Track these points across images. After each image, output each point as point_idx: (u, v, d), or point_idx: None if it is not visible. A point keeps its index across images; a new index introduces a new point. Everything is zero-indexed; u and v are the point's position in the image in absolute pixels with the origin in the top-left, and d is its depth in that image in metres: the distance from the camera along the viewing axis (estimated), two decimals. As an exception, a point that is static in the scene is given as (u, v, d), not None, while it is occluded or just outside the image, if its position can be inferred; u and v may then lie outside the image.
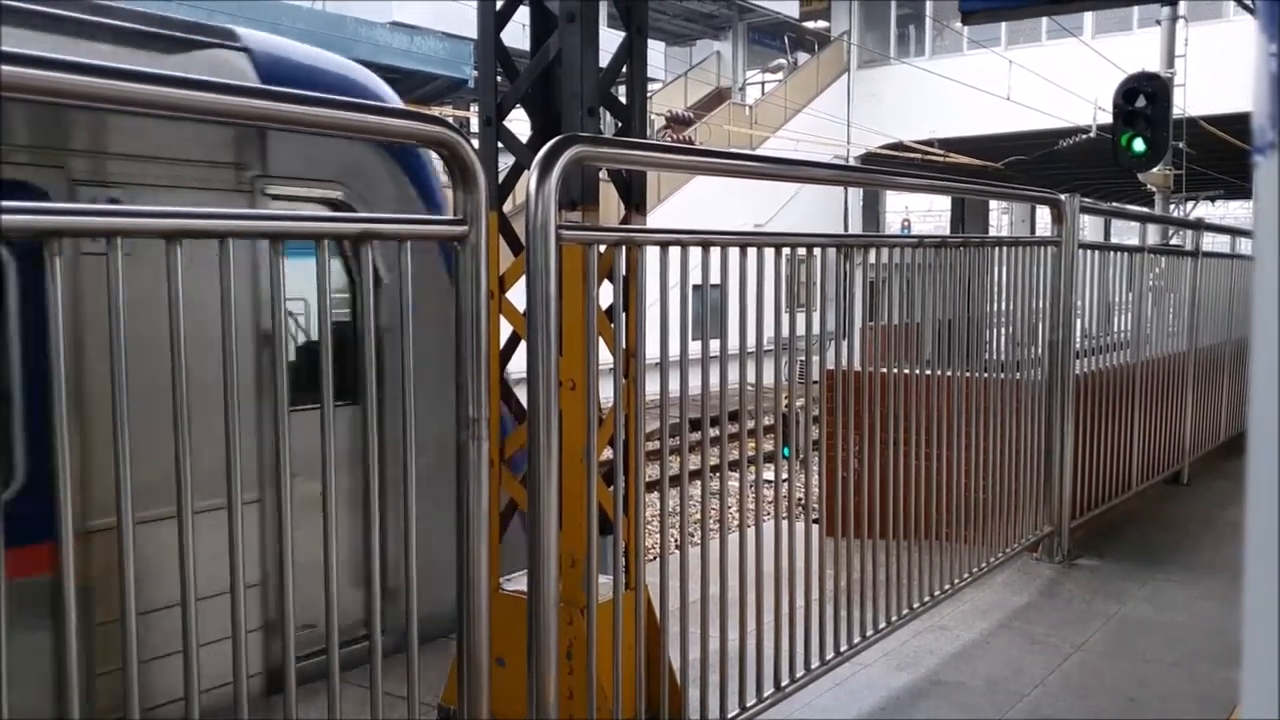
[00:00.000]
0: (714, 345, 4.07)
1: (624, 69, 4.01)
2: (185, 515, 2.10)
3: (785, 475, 4.03)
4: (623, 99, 4.07)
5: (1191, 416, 8.28)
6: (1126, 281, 7.19)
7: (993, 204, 33.64)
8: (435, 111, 16.97)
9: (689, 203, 24.01)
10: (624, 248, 3.38)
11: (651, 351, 3.45)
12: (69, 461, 1.98)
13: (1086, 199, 6.43)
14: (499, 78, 4.08)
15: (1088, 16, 26.52)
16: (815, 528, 4.26)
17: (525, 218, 2.84)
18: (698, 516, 12.50)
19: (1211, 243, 8.94)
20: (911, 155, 28.32)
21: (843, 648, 4.22)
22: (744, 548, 3.66)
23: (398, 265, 2.54)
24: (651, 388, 3.49)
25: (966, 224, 30.49)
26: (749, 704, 3.69)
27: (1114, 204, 28.18)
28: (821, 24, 35.05)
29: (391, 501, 2.64)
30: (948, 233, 25.80)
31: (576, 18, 3.78)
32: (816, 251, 4.04)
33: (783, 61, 35.86)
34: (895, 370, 4.67)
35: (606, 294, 3.61)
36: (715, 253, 3.49)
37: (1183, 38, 17.22)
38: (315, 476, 2.33)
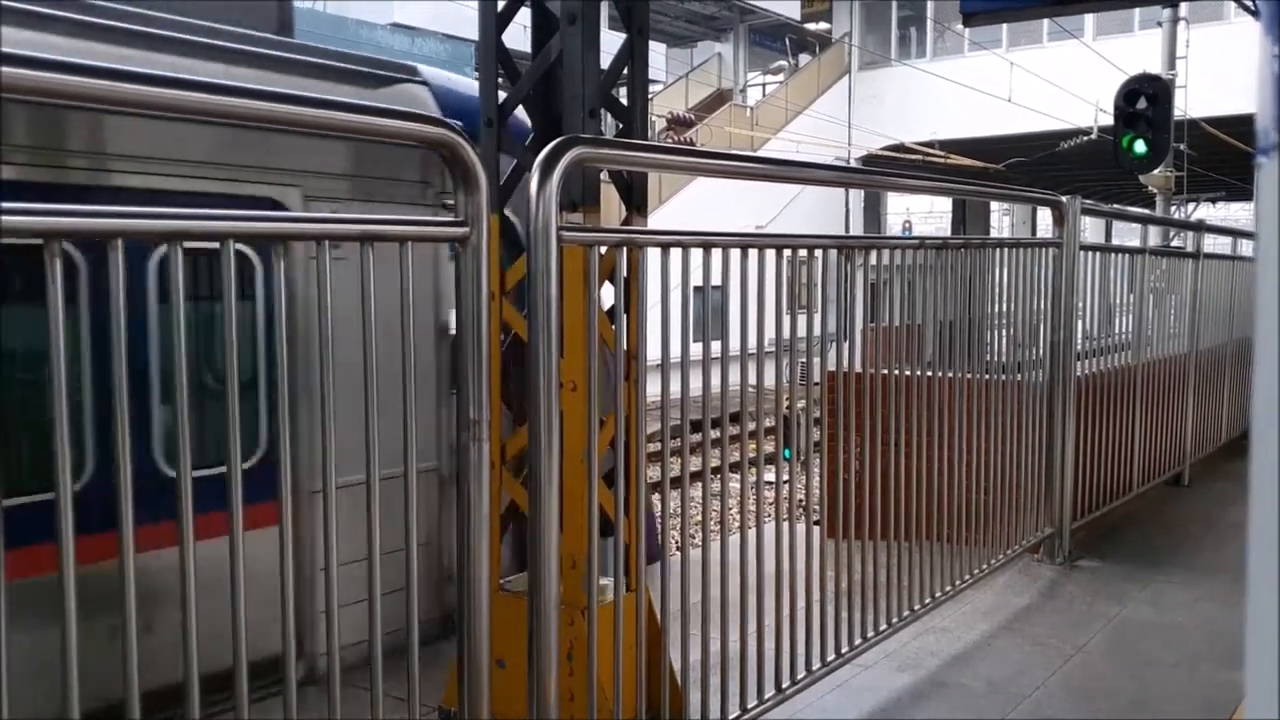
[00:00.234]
0: (715, 347, 4.07)
1: (625, 71, 4.02)
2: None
3: (786, 477, 4.03)
4: (624, 101, 4.07)
5: (1193, 418, 8.28)
6: (1128, 283, 7.19)
7: (994, 206, 33.65)
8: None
9: (690, 204, 24.01)
10: (625, 249, 3.38)
11: (653, 353, 3.45)
12: (68, 462, 1.99)
13: (1088, 200, 6.44)
14: (500, 79, 4.09)
15: (1089, 18, 26.53)
16: (816, 529, 4.26)
17: (526, 219, 2.84)
18: (699, 518, 12.50)
19: (1212, 244, 8.94)
20: (912, 157, 28.32)
21: (844, 649, 4.22)
22: (745, 549, 3.66)
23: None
24: (653, 389, 3.49)
25: (968, 225, 30.47)
26: (750, 705, 3.68)
27: (1115, 206, 28.18)
28: (822, 26, 35.06)
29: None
30: (949, 234, 25.82)
31: (578, 19, 3.78)
32: (818, 253, 4.04)
33: (784, 63, 35.86)
34: (896, 372, 4.67)
35: (607, 295, 3.61)
36: (716, 254, 3.49)
37: (1184, 39, 17.22)
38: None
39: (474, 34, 4.26)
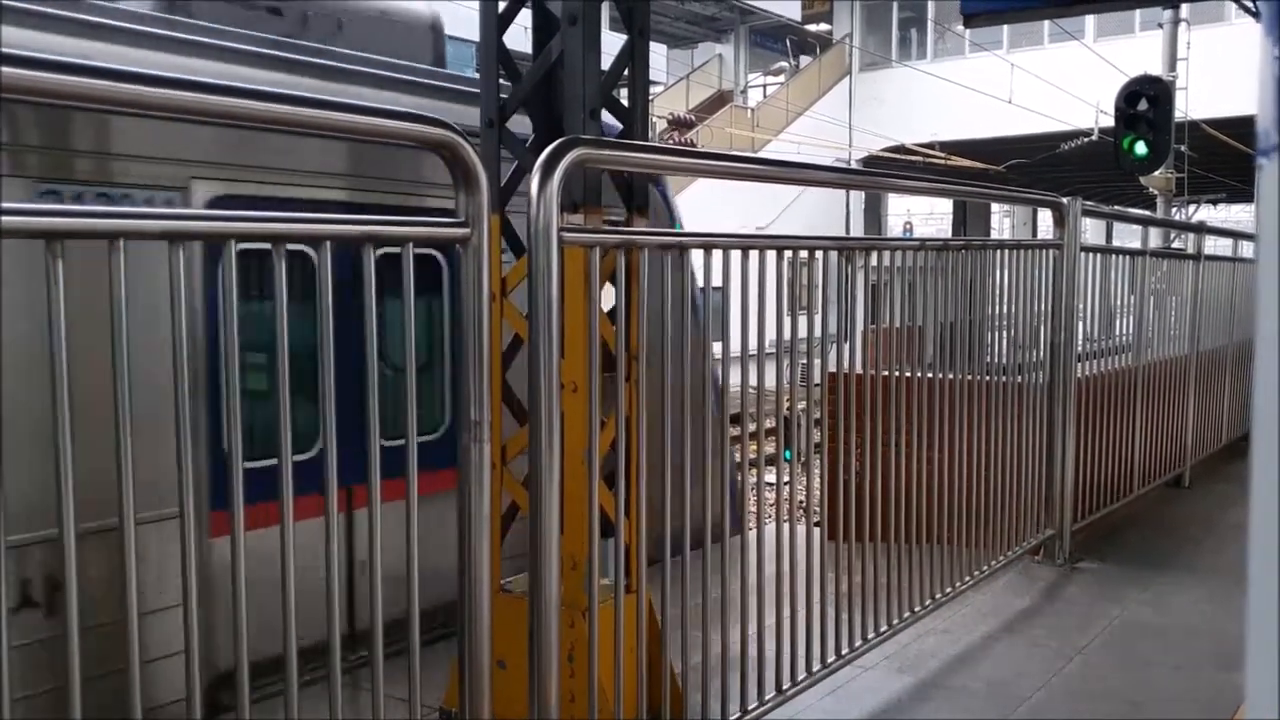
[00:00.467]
0: (715, 348, 4.07)
1: (626, 72, 4.02)
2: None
3: (787, 478, 4.03)
4: (625, 101, 4.07)
5: (1193, 420, 8.27)
6: (1128, 285, 7.19)
7: (994, 207, 33.63)
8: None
9: (690, 205, 23.90)
10: (626, 250, 3.38)
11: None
12: (68, 456, 1.99)
13: (1088, 202, 6.44)
14: (501, 79, 4.09)
15: (1089, 20, 26.52)
16: (816, 531, 4.26)
17: (527, 220, 2.84)
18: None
19: (1213, 246, 8.93)
20: (913, 158, 28.32)
21: (844, 651, 4.22)
22: (745, 550, 3.65)
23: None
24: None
25: (968, 227, 30.44)
26: (750, 706, 3.68)
27: (1115, 207, 28.18)
28: (823, 27, 35.06)
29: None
30: (949, 236, 25.80)
31: (578, 20, 3.79)
32: (818, 254, 4.04)
33: (784, 64, 35.86)
34: (897, 373, 4.67)
35: (608, 296, 3.60)
36: (717, 255, 3.49)
37: (1185, 41, 17.22)
38: None
39: (475, 35, 4.26)
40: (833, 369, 4.28)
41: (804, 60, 35.00)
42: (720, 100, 33.60)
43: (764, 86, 36.28)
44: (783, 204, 24.61)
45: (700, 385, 3.62)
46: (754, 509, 8.50)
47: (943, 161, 28.59)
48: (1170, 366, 7.81)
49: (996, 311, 5.74)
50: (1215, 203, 32.30)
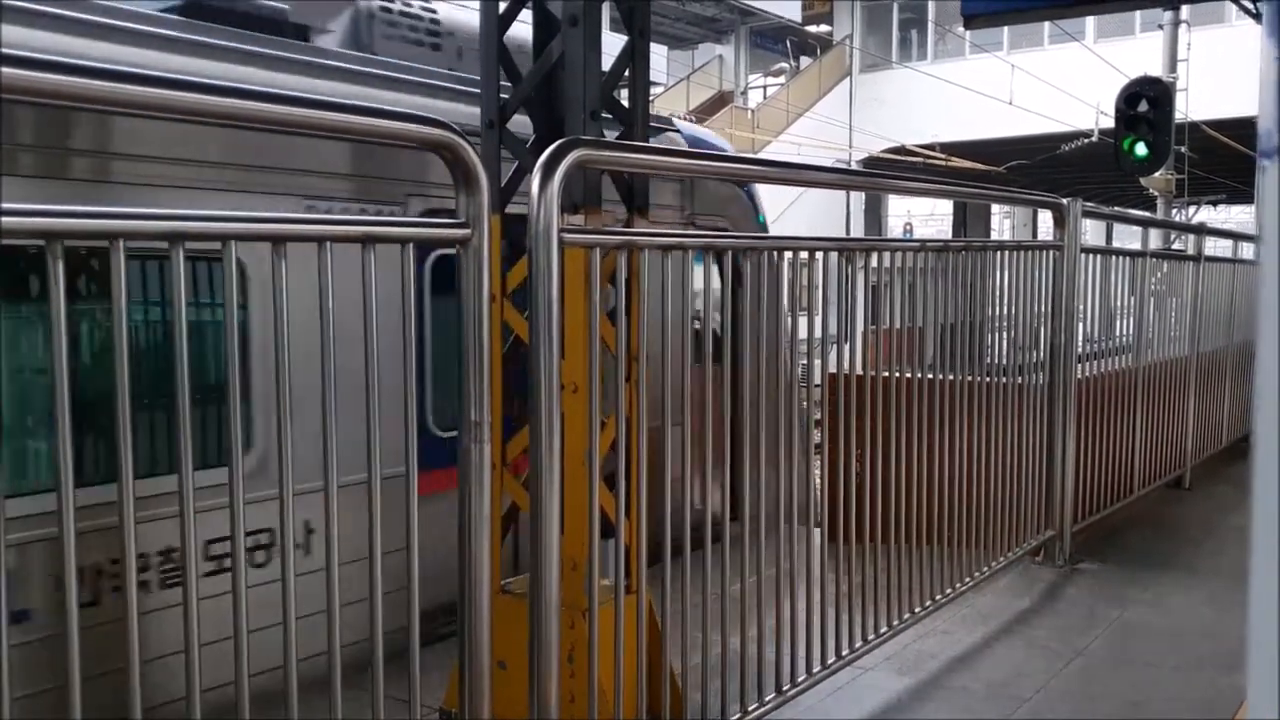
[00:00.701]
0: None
1: (626, 72, 4.01)
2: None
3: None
4: (625, 102, 4.07)
5: (1193, 421, 8.27)
6: (1128, 286, 7.19)
7: (995, 208, 33.64)
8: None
9: (691, 206, 23.96)
10: (626, 251, 3.38)
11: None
12: (68, 456, 2.00)
13: (1088, 203, 6.44)
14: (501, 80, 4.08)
15: (1090, 21, 26.51)
16: (817, 531, 4.26)
17: (528, 221, 2.84)
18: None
19: (1213, 247, 8.93)
20: (914, 159, 28.31)
21: (844, 652, 4.21)
22: (745, 551, 3.65)
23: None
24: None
25: (969, 228, 30.43)
26: (750, 707, 3.68)
27: (1116, 208, 28.18)
28: (824, 28, 35.05)
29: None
30: (950, 237, 25.78)
31: (579, 21, 3.79)
32: (819, 255, 4.04)
33: (785, 65, 35.85)
34: (897, 374, 4.67)
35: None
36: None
37: (1185, 42, 17.22)
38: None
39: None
40: (833, 370, 4.28)
41: (804, 61, 35.00)
42: (721, 101, 33.58)
43: (764, 88, 36.27)
44: (783, 205, 24.60)
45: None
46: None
47: (943, 163, 28.58)
48: (1170, 368, 7.81)
49: (997, 312, 5.74)
50: (1215, 204, 32.31)
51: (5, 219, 1.88)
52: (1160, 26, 17.16)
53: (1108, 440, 6.73)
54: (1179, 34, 16.88)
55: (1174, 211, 18.67)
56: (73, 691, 1.97)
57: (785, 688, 3.86)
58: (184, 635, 2.18)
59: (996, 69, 26.98)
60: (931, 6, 30.41)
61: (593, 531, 3.19)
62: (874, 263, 4.55)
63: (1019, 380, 5.78)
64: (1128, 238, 31.69)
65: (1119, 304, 7.25)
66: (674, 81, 33.81)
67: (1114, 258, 7.10)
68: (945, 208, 38.16)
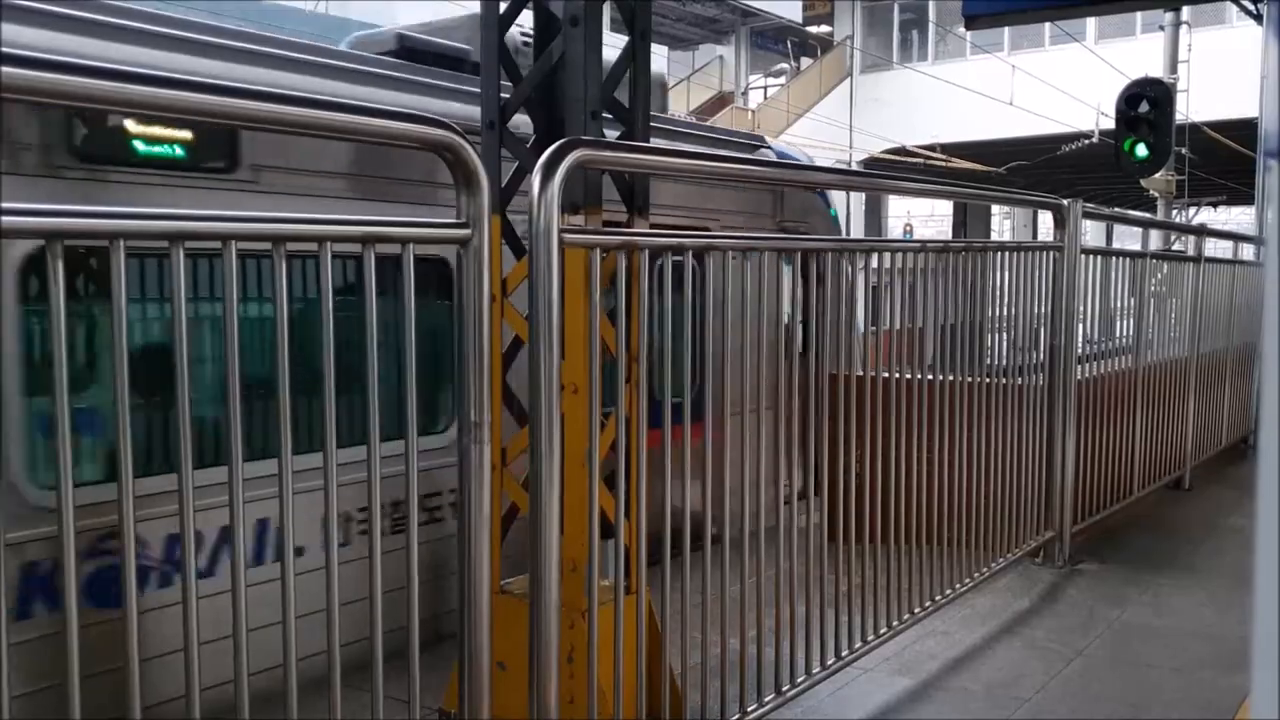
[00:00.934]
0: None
1: (627, 73, 4.01)
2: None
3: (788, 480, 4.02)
4: (626, 103, 4.07)
5: (1193, 422, 8.27)
6: (1128, 286, 7.19)
7: (995, 209, 33.64)
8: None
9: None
10: (627, 251, 3.38)
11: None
12: (68, 456, 2.00)
13: (1089, 204, 6.43)
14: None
15: (1090, 22, 26.51)
16: (817, 532, 4.25)
17: (528, 221, 2.84)
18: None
19: (1214, 248, 8.93)
20: (914, 160, 28.30)
21: (844, 652, 4.21)
22: (745, 552, 3.65)
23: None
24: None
25: (969, 229, 30.42)
26: (749, 708, 3.68)
27: (1116, 209, 28.17)
28: (824, 28, 35.04)
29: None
30: (950, 237, 25.78)
31: (580, 21, 3.79)
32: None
33: (785, 66, 35.84)
34: (898, 375, 4.67)
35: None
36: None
37: (1186, 43, 17.20)
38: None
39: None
40: (833, 370, 4.28)
41: (805, 62, 34.99)
42: (721, 102, 33.59)
43: (765, 88, 36.27)
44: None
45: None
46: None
47: (943, 163, 28.57)
48: (1170, 369, 7.81)
49: (997, 313, 5.74)
50: (1216, 205, 32.29)
51: (5, 219, 1.88)
52: (1161, 28, 17.14)
53: (1107, 441, 6.73)
54: (1180, 35, 16.86)
55: (1174, 213, 18.66)
56: (71, 690, 1.97)
57: (785, 688, 3.86)
58: (183, 636, 2.19)
59: (997, 70, 26.97)
60: (932, 7, 30.42)
61: (592, 532, 3.19)
62: (874, 263, 4.55)
63: (1019, 381, 5.78)
64: (1128, 239, 31.70)
65: (1119, 305, 7.25)
66: (675, 82, 33.80)
67: (1114, 259, 7.10)
68: (945, 208, 38.16)
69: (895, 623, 4.56)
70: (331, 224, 2.62)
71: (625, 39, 4.02)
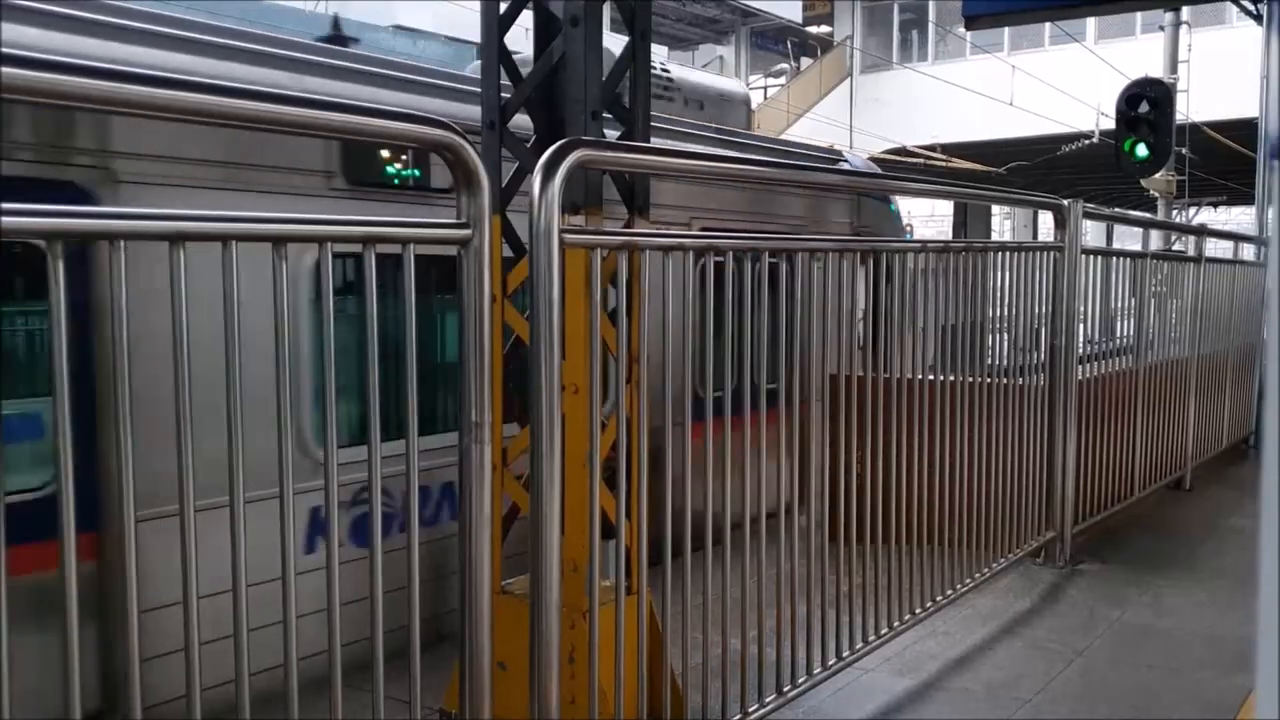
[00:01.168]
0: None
1: (627, 73, 4.01)
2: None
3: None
4: (626, 103, 4.07)
5: (1194, 422, 8.27)
6: (1129, 287, 7.19)
7: (995, 209, 33.63)
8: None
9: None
10: (627, 251, 3.38)
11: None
12: (69, 457, 2.00)
13: (1089, 204, 6.43)
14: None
15: (1090, 22, 26.50)
16: (817, 532, 4.25)
17: (529, 221, 2.84)
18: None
19: (1214, 248, 8.93)
20: (914, 160, 28.30)
21: (844, 653, 4.21)
22: (745, 552, 3.65)
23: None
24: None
25: (969, 229, 30.42)
26: (750, 708, 3.68)
27: (1116, 209, 28.16)
28: (824, 29, 35.04)
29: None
30: (950, 238, 25.76)
31: (580, 22, 3.79)
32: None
33: (785, 66, 35.83)
34: (898, 374, 4.67)
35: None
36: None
37: (1186, 43, 17.19)
38: None
39: (476, 36, 4.27)
40: (834, 370, 4.28)
41: (805, 62, 34.99)
42: (721, 102, 33.53)
43: (765, 88, 36.26)
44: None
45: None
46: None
47: (944, 164, 28.56)
48: (1171, 369, 7.80)
49: (997, 313, 5.74)
50: (1216, 205, 32.27)
51: (5, 219, 1.88)
52: (1161, 28, 17.13)
53: (1108, 441, 6.72)
54: (1180, 35, 16.86)
55: (1174, 213, 18.65)
56: (72, 689, 1.97)
57: (786, 689, 3.86)
58: (184, 637, 2.19)
59: (997, 70, 26.97)
60: (932, 7, 30.42)
61: (593, 533, 3.19)
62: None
63: (1020, 381, 5.78)
64: (1128, 239, 31.68)
65: (1119, 305, 7.25)
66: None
67: (1114, 259, 7.09)
68: (945, 209, 38.10)
69: (896, 623, 4.56)
70: (332, 224, 2.62)
71: (625, 39, 4.02)
